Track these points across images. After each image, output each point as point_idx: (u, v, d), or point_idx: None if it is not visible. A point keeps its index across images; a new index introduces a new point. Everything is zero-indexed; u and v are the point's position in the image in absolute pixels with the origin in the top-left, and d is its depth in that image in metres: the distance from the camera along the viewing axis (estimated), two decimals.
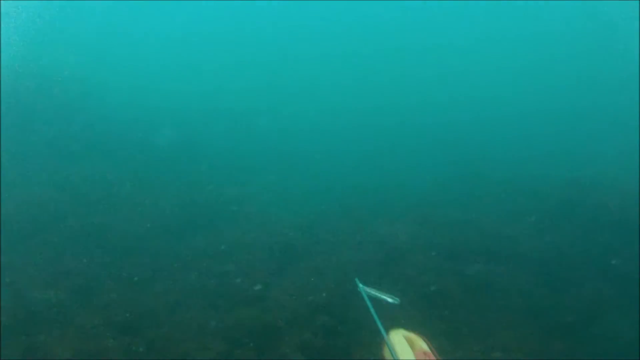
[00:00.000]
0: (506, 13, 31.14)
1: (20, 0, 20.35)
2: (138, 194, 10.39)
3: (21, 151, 11.43)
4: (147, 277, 7.00)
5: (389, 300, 2.36)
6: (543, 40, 28.78)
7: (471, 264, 7.46)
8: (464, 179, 12.32)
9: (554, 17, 29.80)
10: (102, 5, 29.69)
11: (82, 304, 6.21)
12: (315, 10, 33.71)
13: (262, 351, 5.36)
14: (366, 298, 2.28)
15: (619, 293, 6.56)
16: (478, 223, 9.18)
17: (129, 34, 29.04)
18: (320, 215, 9.82)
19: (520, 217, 9.47)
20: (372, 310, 2.13)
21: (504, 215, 9.62)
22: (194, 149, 14.29)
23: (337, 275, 6.95)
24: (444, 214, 9.67)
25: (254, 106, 19.49)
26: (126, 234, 8.48)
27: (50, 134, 12.72)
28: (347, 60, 27.72)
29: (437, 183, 12.16)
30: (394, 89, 22.78)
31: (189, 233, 8.72)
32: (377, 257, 7.63)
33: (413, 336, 1.93)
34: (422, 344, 1.88)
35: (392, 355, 1.81)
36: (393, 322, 2.18)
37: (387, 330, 1.98)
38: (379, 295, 2.34)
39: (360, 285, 2.38)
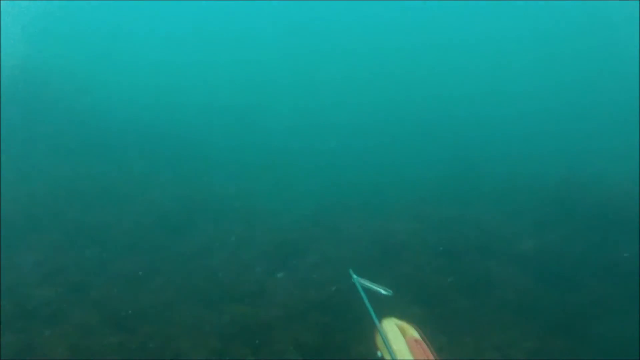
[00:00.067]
0: (507, 12, 31.17)
1: (21, 0, 20.42)
2: (136, 191, 10.38)
3: (18, 149, 11.42)
4: (142, 274, 6.93)
5: (382, 291, 2.43)
6: (542, 39, 28.89)
7: (468, 261, 7.43)
8: (462, 176, 12.26)
9: (554, 16, 29.84)
10: (101, 5, 29.76)
11: (76, 301, 6.14)
12: (315, 8, 33.73)
13: (258, 348, 5.31)
14: (360, 288, 2.35)
15: (617, 291, 6.52)
16: (476, 220, 9.14)
17: (128, 33, 29.09)
18: (317, 212, 9.77)
19: (518, 214, 9.43)
20: (365, 299, 2.20)
21: (501, 212, 9.57)
22: (192, 146, 14.28)
23: (334, 272, 6.88)
24: (441, 211, 9.61)
25: (252, 103, 19.53)
26: (123, 230, 8.42)
27: (46, 131, 12.71)
28: (346, 57, 27.79)
29: (435, 180, 12.09)
30: (393, 86, 22.81)
31: (186, 229, 8.66)
32: (374, 253, 7.57)
33: (404, 325, 2.00)
34: (413, 332, 1.95)
35: (384, 341, 1.88)
36: (388, 314, 2.25)
37: (380, 319, 2.05)
38: (372, 286, 2.42)
39: (354, 276, 2.45)
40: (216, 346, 5.38)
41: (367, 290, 2.38)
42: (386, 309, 2.46)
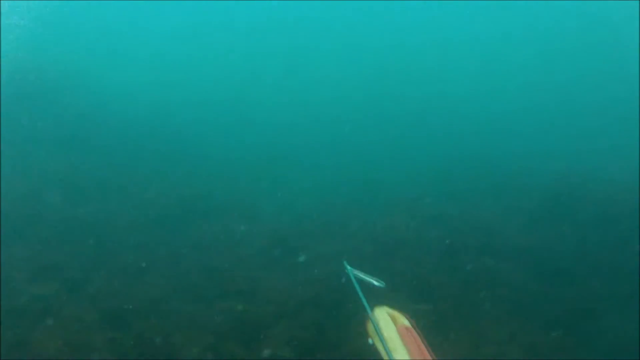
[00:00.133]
0: (507, 11, 31.30)
1: (21, 0, 20.44)
2: (130, 187, 10.41)
3: (14, 144, 11.41)
4: (136, 269, 6.96)
5: (375, 283, 2.45)
6: (540, 36, 29.07)
7: (463, 257, 7.48)
8: (457, 174, 12.37)
9: (552, 14, 29.97)
10: (100, 5, 29.80)
11: (70, 296, 6.16)
12: (313, 5, 33.81)
13: (250, 345, 5.36)
14: (353, 279, 2.38)
15: (610, 287, 6.60)
16: (471, 217, 9.21)
17: (125, 30, 29.12)
18: (313, 208, 9.84)
19: (513, 211, 9.50)
20: (358, 289, 2.23)
21: (497, 209, 9.66)
22: (189, 141, 14.33)
23: (328, 269, 6.91)
24: (437, 208, 9.68)
25: (248, 99, 19.59)
26: (117, 226, 8.46)
27: (41, 126, 12.70)
28: (341, 54, 27.92)
29: (431, 177, 12.19)
30: (389, 82, 22.89)
31: (180, 226, 8.70)
32: (369, 250, 7.65)
33: (396, 313, 2.03)
34: (404, 320, 1.98)
35: (375, 329, 1.91)
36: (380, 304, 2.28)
37: (372, 308, 2.09)
38: (366, 277, 2.44)
39: (348, 267, 2.47)
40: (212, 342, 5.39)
41: (360, 282, 2.40)
42: (381, 302, 2.48)
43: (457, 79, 23.85)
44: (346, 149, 14.86)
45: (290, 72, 24.26)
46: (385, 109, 19.42)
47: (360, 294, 2.18)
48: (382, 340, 1.83)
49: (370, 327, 1.98)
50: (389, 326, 1.92)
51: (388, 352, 1.76)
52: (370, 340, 1.96)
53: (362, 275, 2.51)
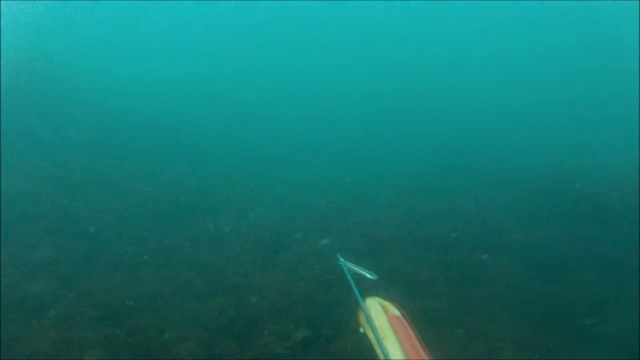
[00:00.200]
0: (502, 6, 31.41)
1: (21, 0, 20.45)
2: (125, 183, 10.40)
3: (10, 141, 11.38)
4: (129, 265, 6.95)
5: (367, 275, 2.51)
6: (536, 32, 29.14)
7: (456, 254, 7.47)
8: (450, 169, 12.39)
9: (549, 11, 30.07)
10: (100, 5, 29.80)
11: (62, 292, 6.12)
12: (312, 4, 33.88)
13: (244, 341, 5.33)
14: (346, 270, 2.43)
15: (607, 283, 6.59)
16: (463, 213, 9.22)
17: (122, 28, 29.13)
18: (304, 205, 9.84)
19: (507, 207, 9.52)
20: (350, 279, 2.28)
21: (490, 205, 9.67)
22: (186, 138, 14.35)
23: (319, 266, 6.93)
24: (429, 204, 9.69)
25: (244, 96, 19.65)
26: (109, 221, 8.45)
27: (36, 123, 12.67)
28: (334, 49, 28.01)
29: (423, 173, 12.21)
30: (381, 78, 22.98)
31: (175, 222, 8.68)
32: (361, 246, 7.62)
33: (387, 303, 2.08)
34: (394, 310, 2.03)
35: (366, 318, 1.95)
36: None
37: (364, 298, 2.13)
38: (358, 270, 2.49)
39: (341, 259, 2.53)
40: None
41: (353, 274, 2.45)
42: (373, 294, 2.53)
43: (455, 74, 23.96)
44: (341, 146, 14.87)
45: (286, 68, 24.33)
46: (380, 105, 19.48)
47: (352, 284, 2.23)
48: (372, 328, 1.88)
49: (361, 317, 2.03)
50: (380, 315, 1.97)
51: (378, 339, 1.80)
52: (361, 329, 2.01)
53: (355, 268, 2.56)
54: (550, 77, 23.05)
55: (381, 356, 1.77)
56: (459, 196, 10.22)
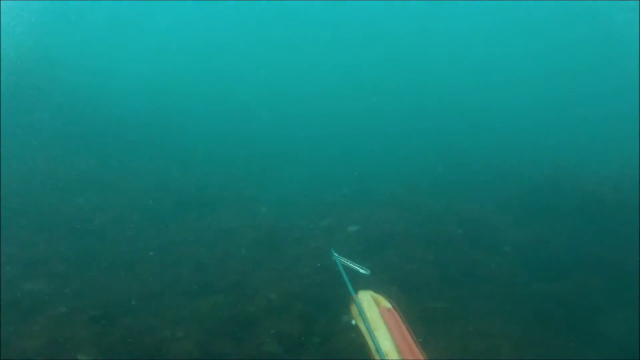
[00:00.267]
0: (500, 5, 31.55)
1: (21, 0, 20.50)
2: (123, 181, 10.41)
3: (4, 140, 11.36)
4: (126, 264, 6.92)
5: (361, 270, 2.56)
6: (533, 31, 29.24)
7: (452, 251, 7.47)
8: (447, 166, 12.42)
9: (553, 13, 30.18)
10: (99, 5, 29.85)
11: (56, 291, 6.08)
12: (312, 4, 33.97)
13: (239, 339, 5.29)
14: (339, 265, 2.48)
15: (603, 282, 6.59)
16: (459, 210, 9.22)
17: (120, 25, 29.17)
18: (300, 203, 9.85)
19: (502, 204, 9.54)
20: (343, 273, 2.33)
21: (485, 202, 9.69)
22: (182, 137, 14.39)
23: (314, 263, 6.90)
24: (425, 202, 9.70)
25: (240, 94, 19.71)
26: (104, 219, 8.43)
27: (33, 122, 12.67)
28: (333, 47, 28.11)
29: (420, 170, 12.25)
30: (380, 76, 23.06)
31: (170, 220, 8.67)
32: (358, 244, 7.64)
33: (379, 296, 2.13)
34: (386, 303, 2.08)
35: (359, 310, 2.00)
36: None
37: (356, 291, 2.18)
38: (352, 265, 2.54)
39: (335, 254, 2.58)
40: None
41: (347, 269, 2.50)
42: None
43: (455, 72, 24.06)
44: (338, 144, 14.92)
45: (286, 68, 24.41)
46: (377, 102, 19.56)
47: (346, 278, 2.28)
48: (364, 319, 1.92)
49: (354, 309, 2.08)
50: (372, 307, 2.02)
51: (370, 330, 1.85)
52: (353, 321, 2.06)
53: (348, 263, 2.61)
54: (549, 75, 23.19)
55: (372, 346, 1.81)
56: (456, 194, 10.22)
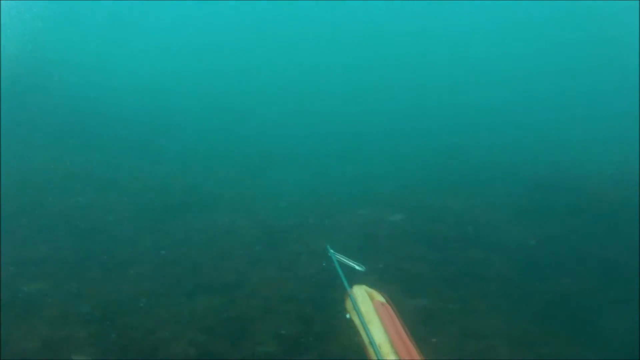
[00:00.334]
0: (498, 4, 31.59)
1: (21, 0, 20.55)
2: (121, 180, 10.44)
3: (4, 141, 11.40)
4: (120, 263, 6.92)
5: (356, 267, 2.60)
6: (537, 33, 29.33)
7: (450, 250, 7.49)
8: (446, 166, 12.47)
9: (552, 12, 30.25)
10: (99, 4, 29.89)
11: (53, 291, 6.06)
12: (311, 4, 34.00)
13: (237, 340, 5.30)
14: (335, 260, 2.52)
15: (602, 281, 6.60)
16: (457, 209, 9.25)
17: (119, 24, 29.22)
18: (299, 201, 9.88)
19: (501, 203, 9.56)
20: (338, 268, 2.38)
21: (484, 201, 9.71)
22: (182, 136, 14.42)
23: (315, 262, 6.95)
24: (424, 201, 9.72)
25: (238, 94, 19.75)
26: (102, 218, 8.46)
27: (32, 121, 12.71)
28: (330, 45, 28.13)
29: (418, 169, 12.28)
30: (377, 75, 23.12)
31: (167, 219, 8.67)
32: (356, 243, 7.66)
33: (373, 291, 2.17)
34: (380, 297, 2.12)
35: (353, 304, 2.04)
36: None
37: (351, 286, 2.23)
38: (347, 261, 2.59)
39: (331, 251, 2.62)
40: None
41: (342, 265, 2.55)
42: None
43: (454, 72, 24.13)
44: (335, 142, 14.95)
45: (285, 67, 24.43)
46: (374, 101, 19.61)
47: (341, 273, 2.32)
48: (358, 313, 1.97)
49: (348, 303, 2.12)
50: (366, 301, 2.06)
51: (364, 324, 1.89)
52: (347, 315, 2.10)
53: (344, 259, 2.66)
54: (549, 75, 23.24)
55: (366, 339, 1.85)
56: (454, 193, 10.24)
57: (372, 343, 1.78)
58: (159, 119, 15.58)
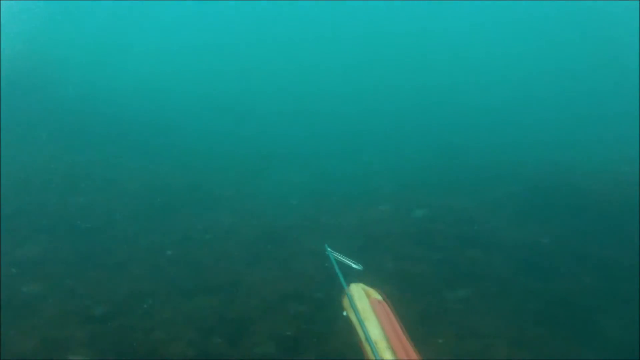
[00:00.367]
0: (497, 4, 31.64)
1: (21, 0, 20.59)
2: (119, 180, 10.46)
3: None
4: (119, 263, 6.92)
5: (353, 265, 2.63)
6: (535, 33, 29.35)
7: (448, 250, 7.48)
8: (446, 165, 12.48)
9: (551, 12, 30.27)
10: (99, 4, 29.92)
11: (50, 291, 6.06)
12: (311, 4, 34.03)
13: (234, 340, 5.27)
14: (332, 259, 2.55)
15: (599, 280, 6.59)
16: (457, 209, 9.25)
17: (117, 24, 29.25)
18: (299, 201, 9.90)
19: (501, 203, 9.57)
20: (336, 267, 2.40)
21: (484, 201, 9.72)
22: (182, 136, 14.43)
23: (312, 262, 6.92)
24: (422, 200, 9.72)
25: (236, 93, 19.78)
26: (102, 218, 8.46)
27: (30, 121, 12.72)
28: (328, 45, 28.17)
29: (418, 169, 12.29)
30: (375, 73, 23.16)
31: (166, 218, 8.68)
32: (354, 242, 7.64)
33: (370, 289, 2.20)
34: (377, 295, 2.15)
35: (350, 301, 2.07)
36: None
37: (349, 284, 2.25)
38: (345, 260, 2.62)
39: (329, 249, 2.65)
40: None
41: (340, 263, 2.57)
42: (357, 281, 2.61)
43: (453, 71, 24.15)
44: (335, 142, 14.97)
45: (283, 66, 24.46)
46: (371, 100, 19.64)
47: (338, 272, 2.35)
48: (355, 310, 1.99)
49: (345, 301, 2.15)
50: (363, 299, 2.09)
51: (360, 321, 1.91)
52: (344, 313, 2.13)
53: (341, 258, 2.69)
54: (548, 74, 23.27)
55: (362, 336, 1.87)
56: (452, 192, 10.26)
57: (368, 339, 1.80)
58: (159, 118, 15.61)
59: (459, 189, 10.57)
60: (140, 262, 7.00)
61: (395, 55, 26.82)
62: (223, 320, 5.65)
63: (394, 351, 1.70)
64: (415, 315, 5.64)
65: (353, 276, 2.63)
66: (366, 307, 2.03)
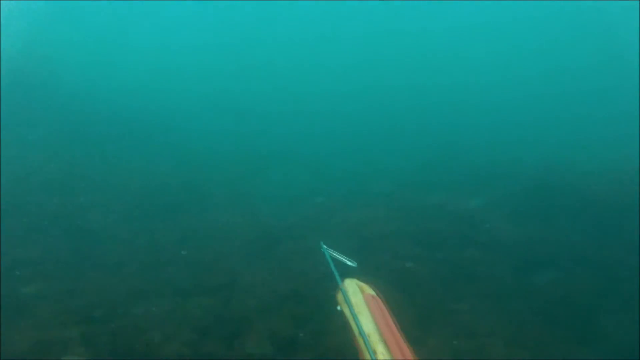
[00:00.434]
0: (497, 4, 31.64)
1: (21, 0, 20.62)
2: (116, 179, 10.47)
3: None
4: (116, 263, 6.89)
5: (348, 263, 2.63)
6: (534, 33, 29.38)
7: (445, 250, 7.47)
8: (441, 164, 12.50)
9: (550, 12, 30.28)
10: (99, 4, 29.96)
11: (46, 291, 6.03)
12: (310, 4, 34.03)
13: (230, 340, 5.24)
14: (327, 256, 2.56)
15: (598, 280, 6.58)
16: (453, 208, 9.25)
17: (116, 24, 29.28)
18: (298, 201, 9.89)
19: (500, 202, 9.54)
20: (331, 263, 2.41)
21: (483, 200, 9.69)
22: (182, 135, 14.44)
23: (310, 260, 6.89)
24: (418, 199, 9.73)
25: (235, 93, 19.80)
26: (101, 218, 8.44)
27: (29, 120, 12.72)
28: (325, 46, 28.17)
29: (417, 169, 12.32)
30: (373, 74, 23.19)
31: (165, 218, 8.67)
32: (351, 242, 7.61)
33: (364, 284, 2.21)
34: (370, 290, 2.16)
35: (344, 296, 2.08)
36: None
37: (343, 280, 2.26)
38: (340, 257, 2.63)
39: (324, 246, 2.66)
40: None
41: (335, 260, 2.58)
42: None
43: (451, 71, 24.16)
44: (332, 141, 14.99)
45: (282, 66, 24.48)
46: (369, 100, 19.66)
47: (333, 268, 2.36)
48: (349, 305, 2.00)
49: (340, 296, 2.16)
50: (356, 294, 2.10)
51: (354, 315, 1.92)
52: (338, 307, 2.14)
53: (337, 255, 2.70)
54: (548, 74, 23.31)
55: (355, 329, 1.88)
56: (449, 191, 10.26)
57: (361, 332, 1.81)
58: (159, 118, 15.63)
59: (459, 189, 10.57)
60: (138, 262, 6.97)
61: (396, 55, 26.88)
62: (219, 320, 5.62)
63: (386, 344, 1.71)
64: (416, 315, 5.62)
65: (349, 273, 2.64)
66: (360, 302, 2.05)
